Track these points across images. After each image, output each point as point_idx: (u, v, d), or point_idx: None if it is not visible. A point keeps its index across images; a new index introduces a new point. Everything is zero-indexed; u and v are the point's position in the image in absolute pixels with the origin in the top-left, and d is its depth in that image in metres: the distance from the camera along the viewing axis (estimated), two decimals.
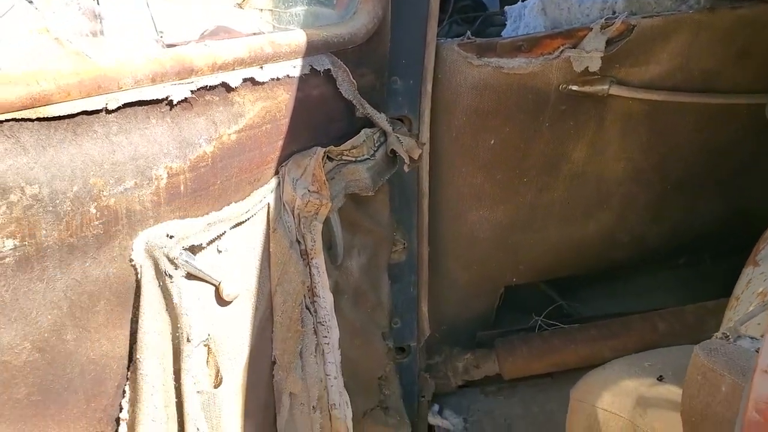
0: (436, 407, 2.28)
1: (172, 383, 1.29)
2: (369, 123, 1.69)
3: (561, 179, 2.11)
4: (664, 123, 2.09)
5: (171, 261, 1.23)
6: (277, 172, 1.51)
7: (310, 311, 1.56)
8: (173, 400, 1.30)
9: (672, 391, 1.52)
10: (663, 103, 2.00)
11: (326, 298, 1.58)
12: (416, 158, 1.72)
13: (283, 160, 1.52)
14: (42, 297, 1.12)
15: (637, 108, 2.02)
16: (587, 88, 1.91)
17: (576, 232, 2.26)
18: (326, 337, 1.60)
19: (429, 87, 1.82)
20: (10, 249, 1.07)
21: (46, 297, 1.13)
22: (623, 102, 1.98)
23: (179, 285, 1.24)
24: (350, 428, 1.69)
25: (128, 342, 1.28)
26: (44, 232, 1.10)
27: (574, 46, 1.84)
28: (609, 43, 1.83)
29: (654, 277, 2.70)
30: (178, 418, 1.31)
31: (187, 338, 1.27)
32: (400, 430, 2.02)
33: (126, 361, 1.28)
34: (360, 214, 1.75)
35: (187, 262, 1.25)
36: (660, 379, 1.55)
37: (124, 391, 1.29)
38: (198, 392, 1.32)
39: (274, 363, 1.56)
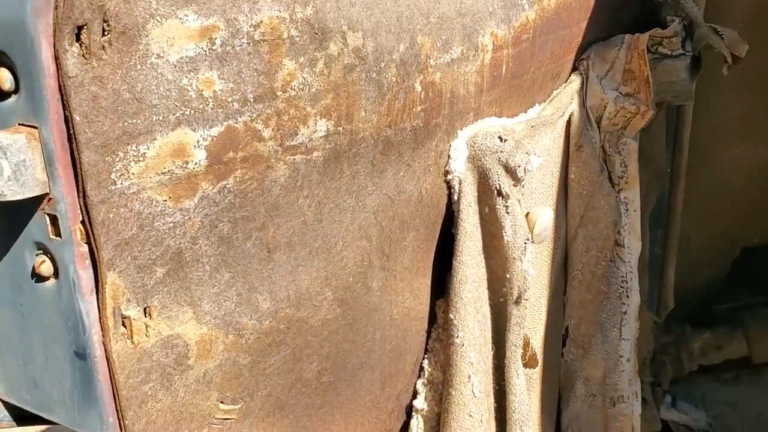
0: (668, 398, 1.85)
1: (491, 360, 0.88)
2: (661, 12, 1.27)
3: None
4: None
5: (510, 172, 0.81)
6: (575, 68, 1.09)
7: (615, 265, 1.14)
8: (492, 384, 0.89)
9: None
10: None
11: (632, 248, 1.15)
12: (742, 56, 1.29)
13: (581, 51, 1.10)
14: (350, 219, 0.72)
15: None
16: None
17: None
18: (624, 303, 1.18)
19: None
20: (322, 136, 0.66)
21: (354, 219, 0.72)
22: None
23: (515, 213, 0.83)
24: (637, 428, 1.27)
25: (429, 297, 0.87)
26: (363, 113, 0.69)
27: None
28: None
29: None
30: (496, 412, 0.89)
31: (517, 297, 0.85)
32: (654, 428, 1.59)
33: (426, 325, 0.88)
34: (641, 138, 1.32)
35: (525, 173, 0.83)
36: None
37: (420, 369, 0.88)
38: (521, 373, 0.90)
39: (565, 336, 1.14)
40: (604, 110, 1.08)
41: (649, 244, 1.66)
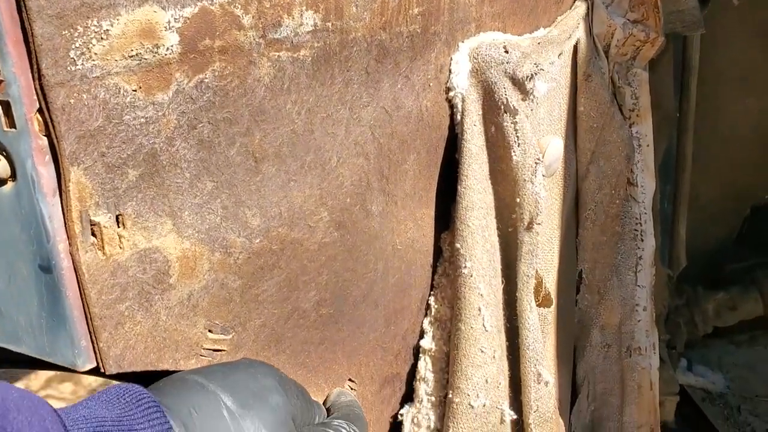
0: (683, 362, 1.78)
1: (501, 295, 0.82)
2: None
3: None
4: None
5: (518, 84, 0.75)
6: None
7: (628, 205, 1.08)
8: (503, 321, 0.82)
9: None
10: None
11: (646, 188, 1.09)
12: None
13: None
14: (345, 132, 0.65)
15: None
16: None
17: None
18: (639, 247, 1.11)
19: None
20: (309, 32, 0.60)
21: (349, 133, 0.66)
22: None
23: (524, 130, 0.76)
24: (655, 383, 1.20)
25: (434, 230, 0.81)
26: (354, 9, 0.63)
27: None
28: None
29: None
30: (509, 351, 0.83)
31: (529, 222, 0.79)
32: (671, 389, 1.53)
33: (431, 260, 0.81)
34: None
35: (533, 91, 0.77)
36: None
37: (427, 307, 0.82)
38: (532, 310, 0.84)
39: (578, 282, 1.08)
40: (612, 38, 1.01)
41: (659, 198, 1.59)
